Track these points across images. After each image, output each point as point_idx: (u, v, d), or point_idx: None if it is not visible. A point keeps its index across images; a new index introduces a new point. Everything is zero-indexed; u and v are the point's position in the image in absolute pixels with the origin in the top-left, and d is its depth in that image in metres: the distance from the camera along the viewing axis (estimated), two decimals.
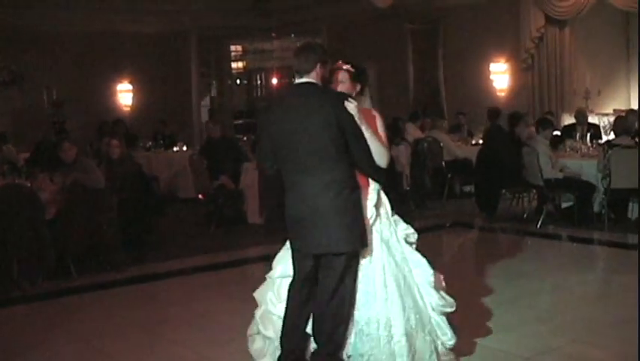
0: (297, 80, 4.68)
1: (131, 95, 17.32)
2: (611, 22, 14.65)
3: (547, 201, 10.06)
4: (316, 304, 4.67)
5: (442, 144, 12.30)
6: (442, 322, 4.85)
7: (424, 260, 4.86)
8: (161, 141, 15.10)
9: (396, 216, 4.91)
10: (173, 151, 14.50)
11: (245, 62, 19.67)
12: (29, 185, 8.14)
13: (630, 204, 9.63)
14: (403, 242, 4.86)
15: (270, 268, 4.99)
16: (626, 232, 9.22)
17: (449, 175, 12.30)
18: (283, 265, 4.87)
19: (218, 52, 19.45)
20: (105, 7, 15.71)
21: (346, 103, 4.58)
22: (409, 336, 4.63)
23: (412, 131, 12.90)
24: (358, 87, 4.91)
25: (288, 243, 4.80)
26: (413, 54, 16.71)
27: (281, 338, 4.72)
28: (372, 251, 4.71)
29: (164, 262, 8.77)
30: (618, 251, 8.81)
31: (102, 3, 15.88)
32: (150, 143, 15.02)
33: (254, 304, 5.02)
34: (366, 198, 4.70)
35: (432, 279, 4.83)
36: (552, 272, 7.82)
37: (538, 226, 9.79)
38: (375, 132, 4.68)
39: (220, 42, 19.18)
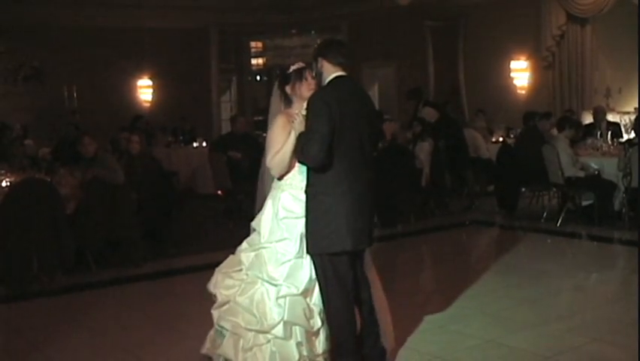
0: (339, 73, 4.58)
1: (151, 90, 17.35)
2: (633, 20, 14.51)
3: (567, 200, 9.99)
4: (367, 303, 4.74)
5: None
6: None
7: None
8: (181, 137, 15.13)
9: None
10: (192, 147, 14.53)
11: (265, 59, 19.64)
12: (49, 180, 8.17)
13: None
14: None
15: None
16: None
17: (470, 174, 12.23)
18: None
19: (239, 48, 19.47)
20: (126, 3, 15.73)
21: None
22: None
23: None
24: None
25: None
26: (433, 52, 16.61)
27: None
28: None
29: (183, 258, 8.79)
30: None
31: None
32: (170, 138, 15.05)
33: None
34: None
35: None
36: (572, 271, 7.77)
37: (559, 224, 9.74)
38: None
39: (240, 38, 19.21)
